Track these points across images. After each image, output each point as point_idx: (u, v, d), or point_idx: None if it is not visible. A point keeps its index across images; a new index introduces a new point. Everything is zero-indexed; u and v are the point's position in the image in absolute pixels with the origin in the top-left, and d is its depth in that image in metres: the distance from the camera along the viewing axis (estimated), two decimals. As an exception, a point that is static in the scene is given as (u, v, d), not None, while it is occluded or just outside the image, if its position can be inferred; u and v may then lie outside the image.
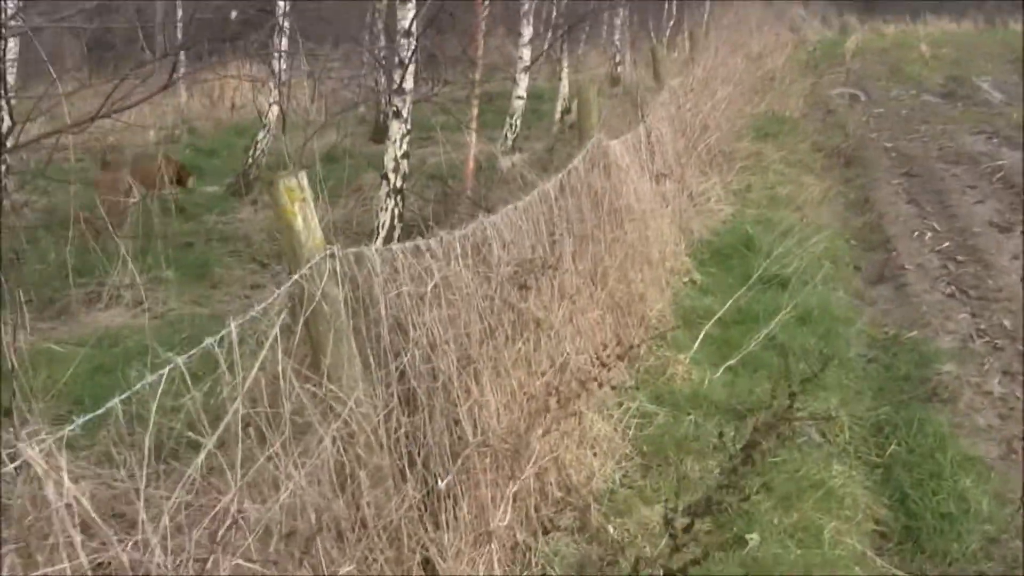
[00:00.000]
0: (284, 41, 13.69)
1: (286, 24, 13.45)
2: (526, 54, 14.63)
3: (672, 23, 27.59)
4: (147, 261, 9.99)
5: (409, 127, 9.72)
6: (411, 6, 9.56)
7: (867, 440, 6.54)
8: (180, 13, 20.77)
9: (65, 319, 9.10)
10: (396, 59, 9.58)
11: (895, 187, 14.27)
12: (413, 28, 9.58)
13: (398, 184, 9.66)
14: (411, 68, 9.60)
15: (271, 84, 13.84)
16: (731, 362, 7.32)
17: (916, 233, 11.77)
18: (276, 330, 3.48)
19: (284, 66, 13.40)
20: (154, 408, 2.93)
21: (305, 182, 3.85)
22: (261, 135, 13.67)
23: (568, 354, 5.63)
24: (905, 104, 22.51)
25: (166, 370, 3.02)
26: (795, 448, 6.12)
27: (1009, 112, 20.51)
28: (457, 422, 4.49)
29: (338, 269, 3.84)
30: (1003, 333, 8.54)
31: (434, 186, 11.35)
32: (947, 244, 11.25)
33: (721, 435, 5.40)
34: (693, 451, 5.97)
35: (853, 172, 15.03)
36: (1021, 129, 17.89)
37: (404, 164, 9.70)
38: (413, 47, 9.50)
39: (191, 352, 3.16)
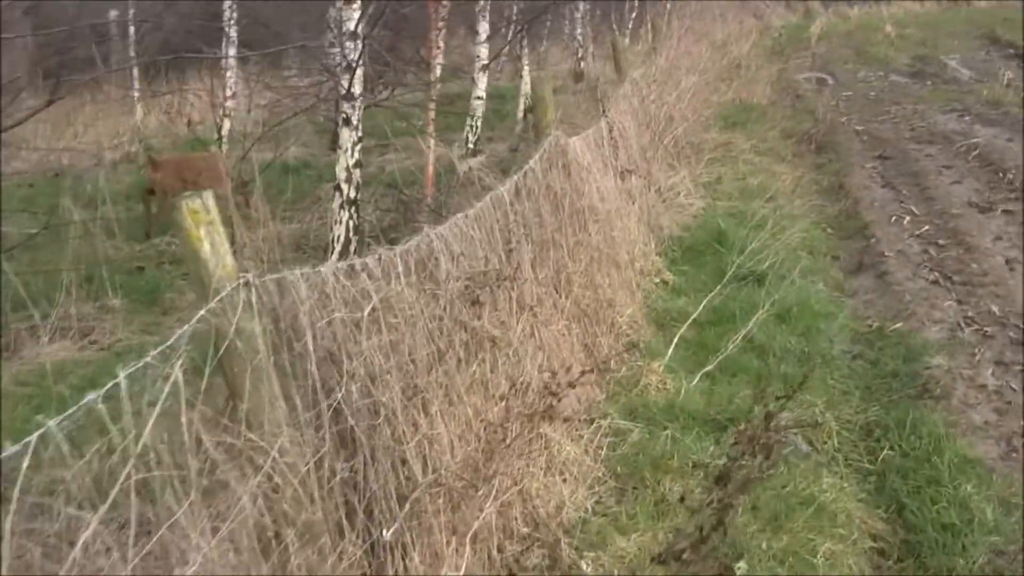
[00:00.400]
0: (232, 50, 13.18)
1: (233, 32, 12.94)
2: (483, 52, 14.15)
3: (635, 15, 27.16)
4: (92, 288, 9.50)
5: (360, 134, 9.25)
6: (356, 6, 9.08)
7: (857, 445, 6.11)
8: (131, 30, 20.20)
9: (7, 356, 8.58)
10: (343, 63, 9.10)
11: (869, 171, 13.84)
12: (359, 30, 9.10)
13: (351, 195, 9.19)
14: (359, 72, 9.12)
15: (220, 96, 13.31)
16: (708, 368, 6.86)
17: (894, 218, 11.35)
18: (177, 375, 3.00)
19: (232, 77, 12.89)
20: (17, 485, 2.45)
21: (212, 203, 3.37)
22: (214, 149, 13.15)
23: (529, 373, 5.16)
24: (873, 86, 22.10)
25: (34, 437, 2.54)
26: (781, 460, 5.66)
27: (979, 89, 20.12)
28: (404, 461, 4.01)
29: (255, 300, 3.35)
30: (992, 320, 8.12)
31: (392, 195, 10.86)
32: (927, 228, 10.83)
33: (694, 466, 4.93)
34: (671, 470, 5.51)
35: (825, 158, 14.60)
36: (992, 106, 17.52)
37: (357, 174, 9.23)
38: (360, 49, 9.02)
39: (69, 412, 2.68)
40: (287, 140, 14.19)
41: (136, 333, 8.88)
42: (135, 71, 18.73)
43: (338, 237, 9.20)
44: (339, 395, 3.73)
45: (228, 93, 13.00)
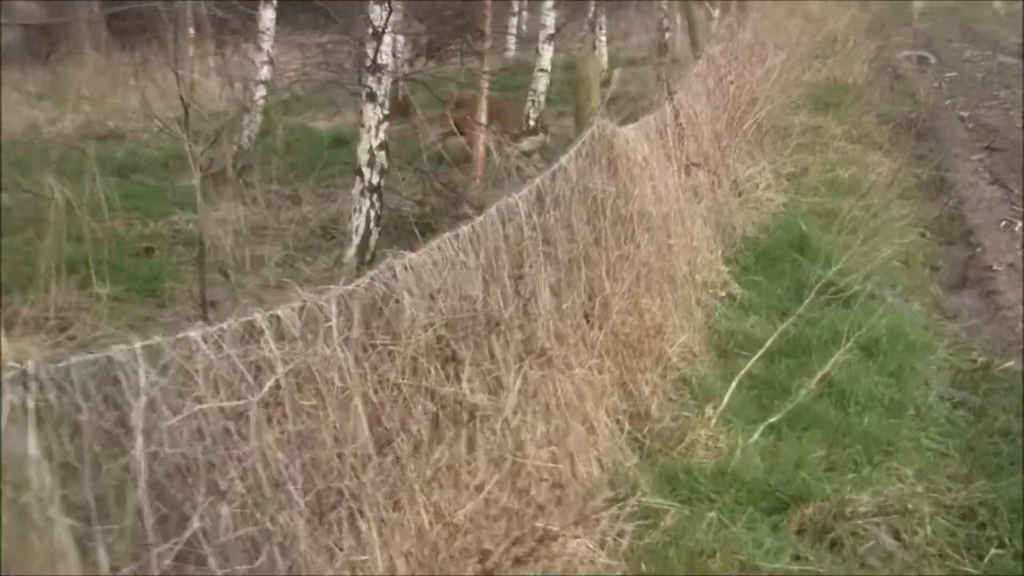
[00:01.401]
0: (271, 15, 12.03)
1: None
2: (550, 21, 12.85)
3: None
4: (86, 275, 8.43)
5: (387, 111, 8.05)
6: (387, -36, 7.88)
7: (956, 535, 4.79)
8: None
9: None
10: (370, 30, 7.89)
11: (975, 164, 12.36)
12: (389, -8, 7.90)
13: (374, 181, 8.02)
14: (387, 40, 7.91)
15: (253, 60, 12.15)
16: (773, 419, 5.57)
17: (1003, 223, 9.91)
18: None
19: (268, 41, 11.75)
20: None
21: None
22: (246, 120, 11.99)
23: (527, 450, 3.94)
24: (980, 67, 20.42)
25: None
26: (856, 561, 4.41)
27: (1099, 67, 18.47)
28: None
29: (31, 403, 2.17)
30: (1125, 362, 6.73)
31: (429, 178, 9.64)
32: (1042, 237, 9.40)
33: None
34: (712, 572, 4.25)
35: (926, 147, 13.12)
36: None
37: (382, 156, 8.04)
38: (387, 14, 7.81)
39: None
40: (328, 107, 13.05)
41: (122, 328, 7.77)
42: (190, 31, 17.69)
43: (357, 228, 8.04)
44: (196, 525, 2.53)
45: (265, 59, 11.84)
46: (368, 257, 8.07)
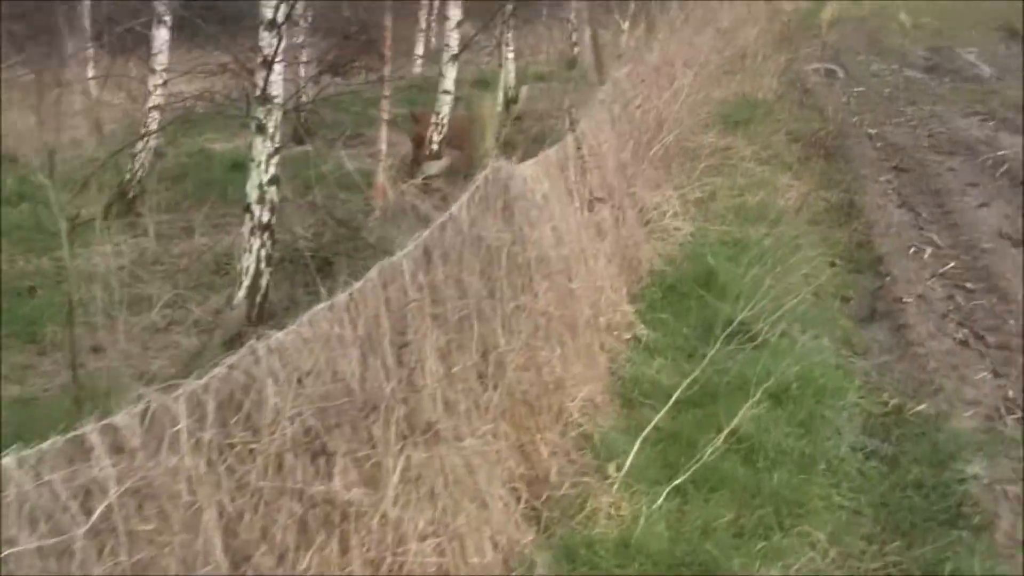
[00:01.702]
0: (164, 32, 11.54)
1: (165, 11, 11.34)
2: (453, 41, 12.47)
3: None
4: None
5: (278, 144, 7.67)
6: (276, -10, 7.49)
7: (871, 607, 4.55)
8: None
9: None
10: (259, 58, 7.52)
11: (883, 186, 12.27)
12: (278, 18, 7.51)
13: (264, 218, 7.62)
14: (278, 70, 7.53)
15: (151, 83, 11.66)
16: (678, 481, 5.29)
17: (912, 249, 9.78)
18: None
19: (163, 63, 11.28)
20: None
21: None
22: (139, 146, 11.47)
23: (409, 544, 3.60)
24: (887, 81, 20.48)
25: None
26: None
27: (1002, 89, 18.54)
28: None
29: None
30: (1038, 402, 6.57)
31: (324, 212, 9.24)
32: (952, 265, 9.27)
33: None
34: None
35: (835, 167, 12.99)
36: (1017, 109, 15.88)
37: (272, 192, 7.65)
38: (277, 42, 7.43)
39: None
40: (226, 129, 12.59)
41: (-8, 380, 7.29)
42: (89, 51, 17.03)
43: (247, 269, 7.63)
44: None
45: (158, 81, 11.35)
46: (259, 299, 7.69)
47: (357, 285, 3.99)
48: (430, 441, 4.14)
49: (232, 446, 3.03)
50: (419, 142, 11.88)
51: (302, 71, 13.76)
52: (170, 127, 12.69)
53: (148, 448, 2.71)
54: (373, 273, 4.12)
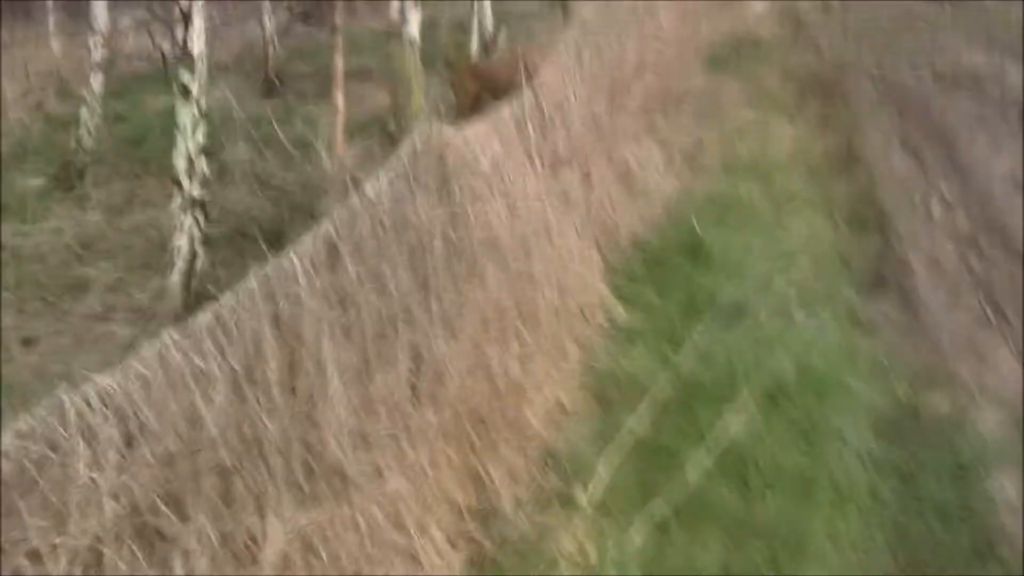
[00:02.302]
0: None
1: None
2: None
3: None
4: None
5: (205, 108, 6.75)
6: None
7: None
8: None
9: None
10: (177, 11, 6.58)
11: (885, 129, 11.31)
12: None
13: (195, 193, 6.71)
14: (198, 23, 6.60)
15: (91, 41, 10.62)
16: (656, 514, 4.43)
17: (920, 204, 8.87)
18: None
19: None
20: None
21: None
22: (85, 111, 10.45)
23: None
24: (886, 9, 19.36)
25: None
26: None
27: (1007, 11, 17.46)
28: None
29: None
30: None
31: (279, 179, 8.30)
32: (963, 221, 8.37)
33: None
34: None
35: (833, 109, 12.01)
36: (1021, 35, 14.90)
37: (202, 164, 6.75)
38: (199, -8, 6.51)
39: None
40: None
41: None
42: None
43: (179, 250, 6.74)
44: None
45: (99, 38, 10.33)
46: (195, 284, 6.80)
47: (227, 301, 3.13)
48: (337, 490, 3.30)
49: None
50: (463, 93, 10.82)
51: (267, 21, 12.86)
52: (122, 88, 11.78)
53: None
54: (252, 283, 3.25)
